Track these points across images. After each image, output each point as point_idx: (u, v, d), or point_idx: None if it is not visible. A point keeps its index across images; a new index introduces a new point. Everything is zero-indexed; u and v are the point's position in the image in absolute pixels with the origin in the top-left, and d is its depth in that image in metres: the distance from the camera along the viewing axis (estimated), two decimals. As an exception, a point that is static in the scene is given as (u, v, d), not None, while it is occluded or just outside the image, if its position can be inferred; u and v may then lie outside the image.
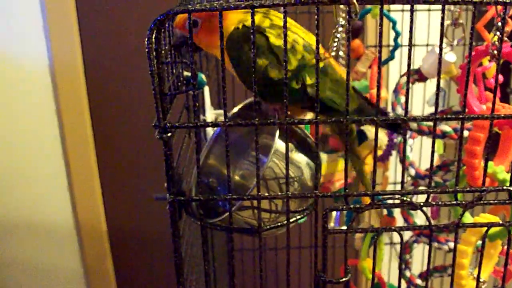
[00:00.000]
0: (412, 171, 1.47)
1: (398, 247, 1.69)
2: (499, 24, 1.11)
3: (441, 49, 0.83)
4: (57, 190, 2.64)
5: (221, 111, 1.49)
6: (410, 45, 0.81)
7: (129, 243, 2.83)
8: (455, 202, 0.90)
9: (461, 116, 0.85)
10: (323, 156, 1.55)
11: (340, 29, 0.99)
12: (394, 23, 1.41)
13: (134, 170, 2.62)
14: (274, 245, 2.17)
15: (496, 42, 1.10)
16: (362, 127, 1.33)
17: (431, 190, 0.88)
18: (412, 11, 0.81)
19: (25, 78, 2.45)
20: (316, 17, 0.79)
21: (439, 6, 0.78)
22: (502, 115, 0.87)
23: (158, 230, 2.66)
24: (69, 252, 2.76)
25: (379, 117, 0.83)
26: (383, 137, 1.52)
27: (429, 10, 1.98)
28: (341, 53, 1.53)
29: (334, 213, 1.70)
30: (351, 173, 1.52)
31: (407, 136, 1.51)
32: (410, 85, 1.44)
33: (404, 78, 1.45)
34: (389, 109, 1.62)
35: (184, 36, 0.96)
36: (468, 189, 0.89)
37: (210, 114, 1.44)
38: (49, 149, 2.57)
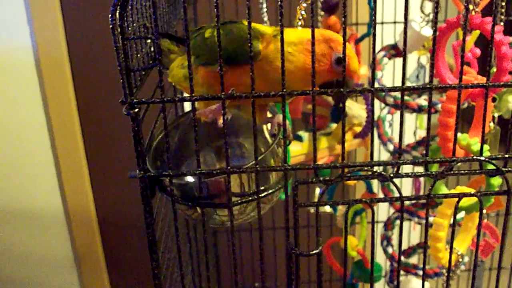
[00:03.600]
0: (391, 147, 1.47)
1: (381, 224, 1.69)
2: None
3: (406, 24, 0.82)
4: (45, 176, 2.64)
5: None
6: (375, 22, 0.81)
7: (119, 228, 2.82)
8: (426, 173, 0.90)
9: (428, 87, 0.85)
10: (305, 135, 1.55)
11: (304, 4, 0.98)
12: (370, -1, 1.41)
13: (122, 154, 2.61)
14: (249, 226, 2.16)
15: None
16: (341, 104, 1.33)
17: (401, 161, 0.88)
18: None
19: (10, 67, 2.44)
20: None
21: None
22: (470, 85, 0.87)
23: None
24: (59, 238, 2.76)
25: (345, 88, 0.83)
26: (362, 113, 1.52)
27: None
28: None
29: (317, 191, 1.71)
30: (332, 151, 1.53)
31: (386, 111, 1.51)
32: (389, 60, 1.45)
33: (381, 54, 1.44)
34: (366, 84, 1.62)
35: None
36: (438, 159, 0.89)
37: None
38: (36, 136, 2.57)
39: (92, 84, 2.56)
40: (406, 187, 1.89)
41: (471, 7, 1.09)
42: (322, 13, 1.51)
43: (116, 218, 2.81)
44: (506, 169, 0.91)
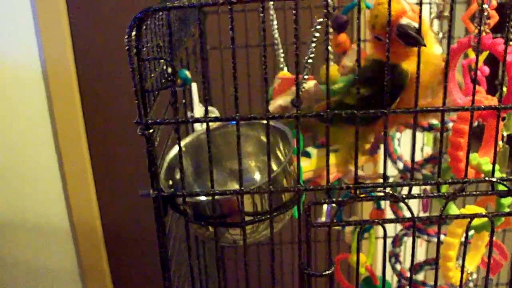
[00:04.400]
0: (401, 165, 1.47)
1: (389, 240, 1.69)
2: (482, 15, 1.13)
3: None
4: (51, 189, 2.65)
5: (210, 108, 1.49)
6: (389, 38, 0.82)
7: (124, 241, 2.83)
8: (437, 194, 0.90)
9: (441, 108, 0.85)
10: (313, 151, 1.55)
11: (318, 27, 0.99)
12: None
13: (128, 167, 2.62)
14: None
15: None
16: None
17: (413, 182, 0.89)
18: (389, 3, 0.81)
19: (17, 79, 2.45)
20: (294, 12, 0.79)
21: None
22: (482, 106, 0.87)
23: (154, 228, 2.65)
24: (65, 251, 2.77)
25: (359, 111, 0.83)
26: (371, 131, 1.52)
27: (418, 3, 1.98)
28: (329, 48, 1.53)
29: (325, 207, 1.70)
30: (340, 167, 1.53)
31: (394, 129, 1.51)
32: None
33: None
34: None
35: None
36: (450, 180, 0.90)
37: (199, 110, 1.44)
38: (43, 148, 2.58)
39: (99, 97, 2.58)
40: (413, 202, 1.89)
41: (482, 27, 1.10)
42: (331, 30, 1.51)
43: (122, 232, 2.81)
44: (517, 189, 0.91)
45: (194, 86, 1.42)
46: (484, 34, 1.09)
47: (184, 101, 1.32)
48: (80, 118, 2.55)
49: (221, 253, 2.14)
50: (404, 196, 0.88)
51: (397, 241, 1.60)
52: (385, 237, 0.91)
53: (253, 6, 0.82)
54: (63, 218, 2.70)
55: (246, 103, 1.93)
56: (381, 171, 0.91)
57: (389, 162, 1.52)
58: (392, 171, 1.86)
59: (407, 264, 1.61)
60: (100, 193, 2.73)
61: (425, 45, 0.96)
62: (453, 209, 1.12)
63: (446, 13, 1.38)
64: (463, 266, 0.99)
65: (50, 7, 2.35)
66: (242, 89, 1.86)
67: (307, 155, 1.54)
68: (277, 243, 2.14)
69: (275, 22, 1.42)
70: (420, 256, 2.22)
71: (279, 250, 2.17)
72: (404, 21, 1.02)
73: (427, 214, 1.70)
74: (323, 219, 1.70)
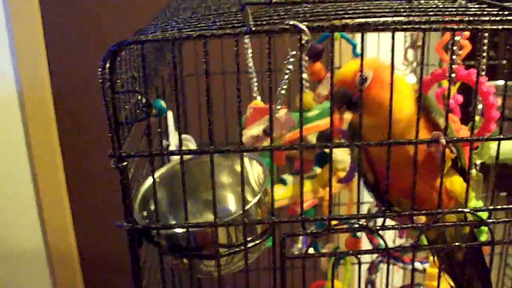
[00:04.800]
0: (375, 193, 1.48)
1: (365, 267, 1.69)
2: (454, 47, 1.14)
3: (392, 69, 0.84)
4: (27, 215, 2.62)
5: (186, 136, 1.50)
6: (361, 70, 0.83)
7: (101, 268, 2.80)
8: (411, 225, 0.91)
9: (414, 141, 0.86)
10: (289, 178, 1.55)
11: (292, 59, 1.00)
12: (354, 46, 1.42)
13: (104, 194, 2.60)
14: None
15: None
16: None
17: (387, 214, 0.89)
18: (362, 38, 0.82)
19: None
20: (268, 45, 0.80)
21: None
22: (455, 138, 0.88)
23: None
24: (40, 276, 2.74)
25: (332, 143, 0.84)
26: (346, 158, 1.53)
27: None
28: (304, 75, 1.54)
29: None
30: (316, 195, 1.54)
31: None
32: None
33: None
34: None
35: (347, 96, 0.95)
36: (423, 211, 0.90)
37: (175, 138, 1.44)
38: (18, 172, 2.55)
39: (76, 122, 2.57)
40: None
41: (454, 57, 1.11)
42: (307, 58, 1.52)
43: (98, 259, 2.79)
44: (491, 220, 0.92)
45: (170, 115, 1.42)
46: (456, 65, 1.10)
47: (159, 129, 1.32)
48: (56, 144, 2.54)
49: (198, 281, 2.13)
50: (378, 228, 0.89)
51: (373, 268, 1.60)
52: (359, 266, 0.91)
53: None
54: (39, 245, 2.67)
55: (223, 130, 1.93)
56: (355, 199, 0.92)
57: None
58: (367, 198, 1.87)
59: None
60: (76, 220, 2.71)
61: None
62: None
63: (420, 43, 1.40)
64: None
65: (26, 28, 2.34)
66: (218, 115, 1.87)
67: (283, 182, 1.55)
68: (252, 269, 2.13)
69: (249, 51, 1.43)
70: (398, 283, 2.23)
71: (257, 276, 2.16)
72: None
73: (403, 240, 1.71)
74: (299, 245, 1.70)
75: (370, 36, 1.92)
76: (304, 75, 1.53)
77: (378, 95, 0.92)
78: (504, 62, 0.89)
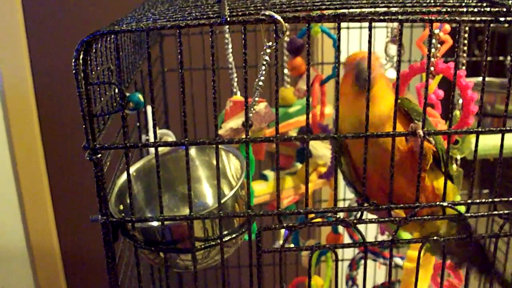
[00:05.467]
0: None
1: (346, 263, 1.69)
2: (433, 41, 1.14)
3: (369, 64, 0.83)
4: (8, 212, 2.60)
5: (166, 131, 1.49)
6: (338, 63, 0.82)
7: (83, 265, 2.79)
8: (388, 218, 0.90)
9: (391, 133, 0.86)
10: (270, 174, 1.55)
11: (268, 50, 0.99)
12: (335, 40, 1.42)
13: (86, 191, 2.59)
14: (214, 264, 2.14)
15: (433, 59, 1.12)
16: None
17: (364, 207, 0.89)
18: (339, 28, 0.81)
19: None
20: (243, 36, 0.79)
21: (382, 23, 0.79)
22: (433, 131, 0.87)
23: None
24: (22, 275, 2.72)
25: (308, 136, 0.83)
26: (327, 153, 1.53)
27: (374, 27, 1.99)
28: (285, 70, 1.54)
29: (282, 231, 1.70)
30: (297, 191, 1.53)
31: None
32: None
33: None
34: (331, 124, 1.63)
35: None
36: (401, 205, 0.90)
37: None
38: (0, 172, 2.54)
39: (58, 121, 2.55)
40: (371, 226, 1.90)
41: (434, 51, 1.11)
42: (287, 53, 1.51)
43: (80, 256, 2.78)
44: (468, 214, 0.91)
45: (149, 110, 1.41)
46: (435, 58, 1.10)
47: (138, 124, 1.31)
48: (38, 142, 2.52)
49: (179, 278, 2.12)
50: (355, 222, 0.88)
51: (354, 264, 1.60)
52: (336, 261, 0.91)
53: (209, 28, 0.82)
54: (21, 243, 2.66)
55: (204, 126, 1.92)
56: (339, 194, 0.91)
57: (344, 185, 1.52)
58: (349, 194, 1.87)
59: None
60: (58, 218, 2.69)
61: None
62: (405, 234, 1.13)
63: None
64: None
65: (8, 28, 2.33)
66: (200, 110, 1.86)
67: (264, 178, 1.54)
68: (234, 266, 2.12)
69: (229, 46, 1.42)
70: (380, 279, 2.23)
71: (237, 273, 2.15)
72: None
73: (385, 237, 1.71)
74: (281, 242, 1.69)
75: (353, 32, 1.93)
76: (285, 70, 1.53)
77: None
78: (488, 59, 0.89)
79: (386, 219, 0.90)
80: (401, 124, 0.94)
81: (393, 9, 0.80)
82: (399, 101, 0.93)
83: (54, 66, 2.47)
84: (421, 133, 0.86)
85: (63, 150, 2.59)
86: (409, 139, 0.92)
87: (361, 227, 0.91)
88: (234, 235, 0.98)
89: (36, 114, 2.49)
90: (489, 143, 1.39)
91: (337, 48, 0.82)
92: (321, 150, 1.57)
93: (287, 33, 0.77)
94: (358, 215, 0.91)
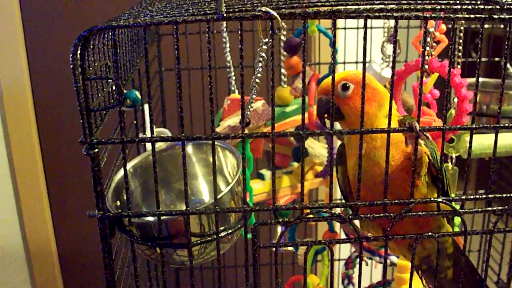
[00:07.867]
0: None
1: (342, 262, 1.69)
2: (428, 39, 1.15)
3: (364, 64, 0.84)
4: (5, 212, 2.60)
5: (163, 130, 1.49)
6: (334, 59, 0.83)
7: (80, 265, 2.79)
8: (384, 214, 0.91)
9: (386, 130, 0.86)
10: (267, 173, 1.55)
11: (264, 47, 0.99)
12: (331, 39, 1.42)
13: (83, 189, 2.58)
14: (211, 264, 2.14)
15: (427, 57, 1.13)
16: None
17: (359, 203, 0.89)
18: (334, 25, 0.82)
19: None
20: (239, 33, 0.80)
21: (379, 23, 0.79)
22: (427, 128, 0.88)
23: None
24: (19, 275, 2.72)
25: (304, 131, 0.84)
26: (323, 152, 1.53)
27: (371, 27, 2.00)
28: (282, 70, 1.54)
29: (279, 229, 1.70)
30: (294, 190, 1.54)
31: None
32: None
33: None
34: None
35: (328, 103, 0.89)
36: (396, 201, 0.90)
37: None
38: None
39: (55, 120, 2.55)
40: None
41: (428, 50, 1.11)
42: (285, 53, 1.52)
43: (77, 254, 2.78)
44: (463, 210, 0.92)
45: (146, 107, 1.41)
46: (430, 57, 1.11)
47: (135, 121, 1.31)
48: (35, 140, 2.52)
49: (176, 275, 2.12)
50: (350, 217, 0.89)
51: (350, 263, 1.60)
52: (332, 258, 0.91)
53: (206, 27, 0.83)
54: (17, 241, 2.65)
55: (201, 124, 1.93)
56: (335, 194, 0.92)
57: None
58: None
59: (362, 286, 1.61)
60: (55, 216, 2.69)
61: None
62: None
63: (398, 37, 1.40)
64: (410, 284, 0.99)
65: (5, 24, 2.33)
66: (197, 110, 1.87)
67: (261, 177, 1.55)
68: (231, 266, 2.12)
69: (227, 45, 1.43)
70: (377, 278, 2.23)
71: (234, 273, 2.15)
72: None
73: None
74: (278, 240, 1.69)
75: (349, 33, 1.94)
76: (282, 70, 1.53)
77: (358, 107, 0.91)
78: (484, 59, 0.90)
79: (381, 215, 0.90)
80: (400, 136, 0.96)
81: (389, 6, 0.80)
82: (401, 117, 0.95)
83: (51, 62, 2.47)
84: (418, 126, 0.87)
85: (60, 148, 2.59)
86: (408, 140, 0.93)
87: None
88: (230, 231, 0.98)
89: (33, 111, 2.49)
90: (484, 142, 1.39)
91: (333, 45, 0.83)
92: (318, 149, 1.57)
93: (284, 32, 0.78)
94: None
